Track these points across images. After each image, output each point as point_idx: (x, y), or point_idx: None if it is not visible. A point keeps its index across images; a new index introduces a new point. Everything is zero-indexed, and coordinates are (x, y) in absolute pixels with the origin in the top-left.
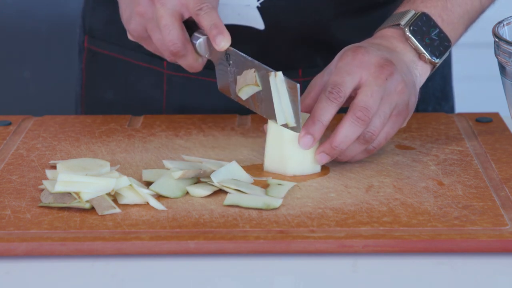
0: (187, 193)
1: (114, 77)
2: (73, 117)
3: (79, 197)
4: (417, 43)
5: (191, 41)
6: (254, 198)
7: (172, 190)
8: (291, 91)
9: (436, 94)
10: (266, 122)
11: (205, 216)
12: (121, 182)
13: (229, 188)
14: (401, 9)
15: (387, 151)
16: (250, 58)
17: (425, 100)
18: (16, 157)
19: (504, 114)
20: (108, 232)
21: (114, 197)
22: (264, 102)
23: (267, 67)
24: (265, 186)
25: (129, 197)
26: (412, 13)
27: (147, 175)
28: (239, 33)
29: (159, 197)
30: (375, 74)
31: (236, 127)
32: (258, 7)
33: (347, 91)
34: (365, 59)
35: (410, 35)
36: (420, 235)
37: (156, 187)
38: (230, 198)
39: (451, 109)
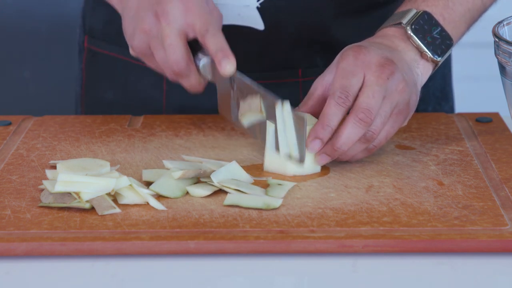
0: (187, 193)
1: (114, 77)
2: (73, 117)
3: (79, 197)
4: (418, 41)
5: (194, 61)
6: (254, 198)
7: (172, 190)
8: (298, 122)
9: (436, 94)
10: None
11: (205, 216)
12: (121, 182)
13: (229, 188)
14: (402, 8)
15: (387, 151)
16: (255, 85)
17: (425, 100)
18: (16, 157)
19: (504, 114)
20: (108, 232)
21: (114, 197)
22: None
23: (273, 96)
24: (265, 186)
25: (129, 197)
26: (413, 11)
27: (147, 175)
28: (239, 33)
29: (159, 197)
30: (376, 73)
31: (236, 127)
32: (257, 8)
33: (354, 93)
34: (367, 58)
35: (411, 34)
36: (420, 235)
37: (156, 187)
38: (230, 198)
39: (451, 109)
